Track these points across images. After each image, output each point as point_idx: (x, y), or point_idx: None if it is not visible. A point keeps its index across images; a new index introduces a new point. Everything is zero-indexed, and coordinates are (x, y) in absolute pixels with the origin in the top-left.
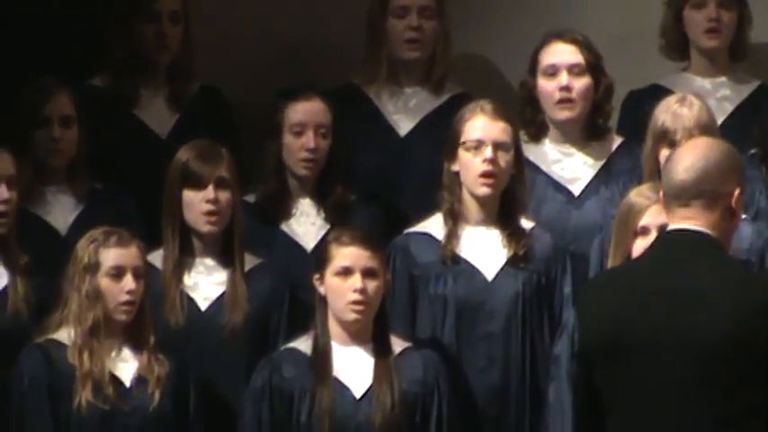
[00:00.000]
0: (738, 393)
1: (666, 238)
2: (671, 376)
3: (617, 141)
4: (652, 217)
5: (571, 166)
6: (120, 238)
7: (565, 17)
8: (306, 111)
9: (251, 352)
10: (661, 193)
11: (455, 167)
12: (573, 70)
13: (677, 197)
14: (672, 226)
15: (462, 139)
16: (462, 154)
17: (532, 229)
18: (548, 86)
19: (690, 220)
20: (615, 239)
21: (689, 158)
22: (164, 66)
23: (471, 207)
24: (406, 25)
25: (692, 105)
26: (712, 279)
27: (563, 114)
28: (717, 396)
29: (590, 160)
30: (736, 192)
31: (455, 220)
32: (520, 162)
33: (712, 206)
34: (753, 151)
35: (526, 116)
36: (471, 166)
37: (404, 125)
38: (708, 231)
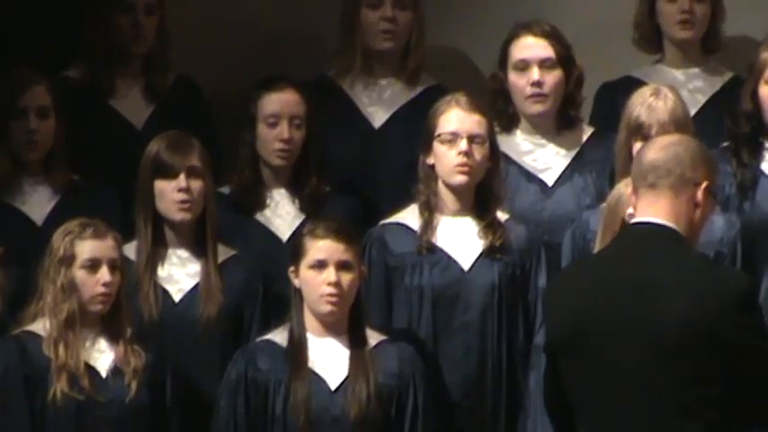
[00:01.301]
0: (695, 383)
1: (629, 230)
2: (629, 366)
3: (588, 131)
4: None
5: (543, 157)
6: (95, 230)
7: (539, 8)
8: (280, 101)
9: (225, 344)
10: (629, 188)
11: (430, 160)
12: (544, 64)
13: (644, 177)
14: (636, 218)
15: (437, 132)
16: (437, 146)
17: (507, 220)
18: (519, 81)
19: (654, 207)
20: (603, 227)
21: (662, 143)
22: (139, 57)
23: (447, 198)
24: (380, 16)
25: (667, 98)
26: (671, 270)
27: (535, 108)
28: (674, 385)
29: (562, 150)
30: (704, 184)
31: (431, 211)
32: (495, 154)
33: (678, 191)
34: (725, 144)
35: (497, 108)
36: (446, 159)
37: (378, 117)
38: (670, 224)
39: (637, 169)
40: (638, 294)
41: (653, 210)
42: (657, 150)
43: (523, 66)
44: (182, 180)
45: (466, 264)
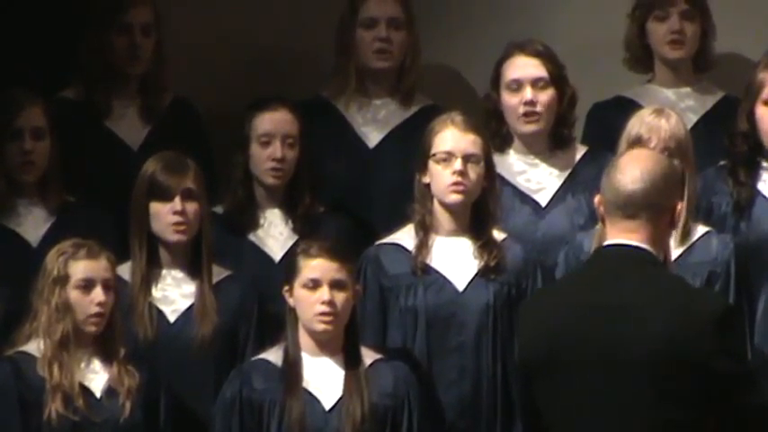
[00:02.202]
0: (666, 407)
1: (603, 252)
2: (600, 390)
3: (581, 151)
4: None
5: (536, 177)
6: (89, 250)
7: (532, 28)
8: (273, 121)
9: (220, 364)
10: (600, 204)
11: (426, 179)
12: (537, 84)
13: (623, 208)
14: (609, 240)
15: (432, 151)
16: (432, 166)
17: (503, 240)
18: (512, 101)
19: (631, 234)
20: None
21: (636, 170)
22: (136, 78)
23: (442, 218)
24: (375, 36)
25: (669, 117)
26: (645, 294)
27: (528, 128)
28: (644, 409)
29: (555, 170)
30: (679, 206)
31: (426, 231)
32: (491, 174)
33: (656, 219)
34: (722, 163)
35: (491, 128)
36: (441, 178)
37: (373, 137)
38: (645, 246)
39: (613, 197)
40: (610, 318)
41: (630, 236)
42: (635, 182)
43: (516, 85)
44: (177, 203)
45: (461, 284)
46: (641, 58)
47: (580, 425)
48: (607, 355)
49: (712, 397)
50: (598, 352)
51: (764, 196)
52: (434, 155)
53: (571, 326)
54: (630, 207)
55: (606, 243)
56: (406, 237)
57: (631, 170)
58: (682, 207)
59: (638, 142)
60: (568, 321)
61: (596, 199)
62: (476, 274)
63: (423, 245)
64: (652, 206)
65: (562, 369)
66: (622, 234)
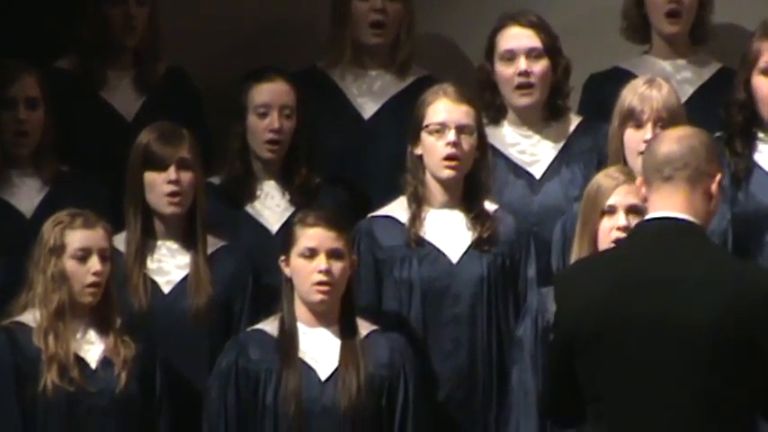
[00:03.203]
0: (725, 383)
1: (648, 224)
2: (658, 365)
3: (575, 121)
4: (620, 196)
5: (531, 149)
6: (85, 219)
7: None
8: (270, 92)
9: (214, 335)
10: (639, 179)
11: (418, 151)
12: (531, 54)
13: (660, 169)
14: (653, 213)
15: (425, 123)
16: (425, 137)
17: (496, 211)
18: (506, 72)
19: (671, 199)
20: (582, 219)
21: (674, 135)
22: (130, 48)
23: (435, 190)
24: (370, 7)
25: (662, 87)
26: (699, 267)
27: (523, 101)
28: (703, 385)
29: (549, 142)
30: (718, 176)
31: (419, 203)
32: (483, 145)
33: (694, 184)
34: (718, 134)
35: (485, 100)
36: (434, 150)
37: (368, 108)
38: (689, 218)
39: (650, 162)
40: (668, 292)
41: (670, 203)
42: (672, 143)
43: (510, 56)
44: (171, 172)
45: (454, 256)
46: (639, 28)
47: (636, 400)
48: (662, 327)
49: (760, 372)
50: (652, 325)
51: (761, 167)
52: (427, 126)
53: (622, 298)
54: (667, 167)
55: (648, 216)
56: (398, 209)
57: (669, 136)
58: (720, 181)
59: (631, 114)
60: (619, 294)
61: (638, 181)
62: (469, 246)
63: (416, 217)
64: (688, 167)
65: (616, 344)
66: (663, 202)
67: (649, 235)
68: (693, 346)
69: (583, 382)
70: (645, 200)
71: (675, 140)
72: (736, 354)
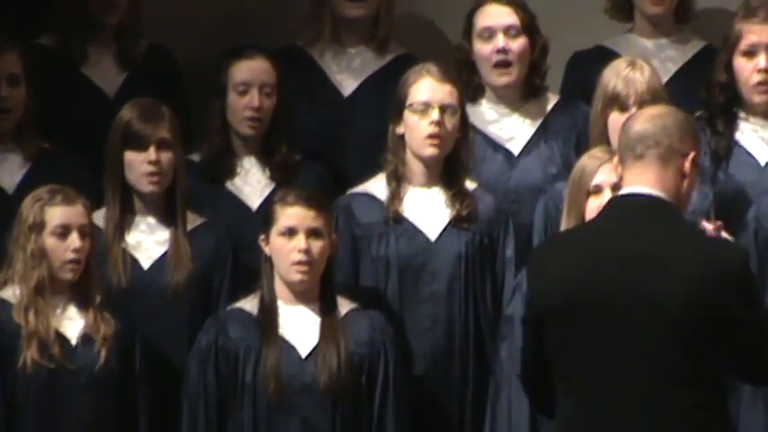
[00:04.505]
0: (695, 355)
1: (619, 201)
2: (627, 338)
3: (553, 100)
4: (605, 175)
5: (509, 126)
6: (65, 196)
7: None
8: (250, 69)
9: (194, 311)
10: (615, 159)
11: (400, 129)
12: (509, 32)
13: (632, 147)
14: (624, 189)
15: (408, 102)
16: (408, 116)
17: (475, 190)
18: (484, 49)
19: (642, 177)
20: (569, 200)
21: (649, 113)
22: (111, 24)
23: (416, 169)
24: None
25: (643, 69)
26: (668, 242)
27: (501, 80)
28: (673, 357)
29: (527, 120)
30: (691, 154)
31: (399, 181)
32: (465, 125)
33: (666, 162)
34: (698, 113)
35: (463, 78)
36: (418, 129)
37: (348, 85)
38: (660, 194)
39: (624, 140)
40: (637, 266)
41: (641, 180)
42: (645, 121)
43: (488, 34)
44: (151, 153)
45: (433, 234)
46: (622, 6)
47: (604, 373)
48: (636, 303)
49: (738, 342)
50: (626, 301)
51: (742, 146)
52: (411, 105)
53: (596, 275)
54: (639, 145)
55: (621, 193)
56: (377, 186)
57: (642, 115)
58: (694, 160)
59: (615, 98)
60: (591, 270)
61: (614, 160)
62: (448, 224)
63: (395, 195)
64: (659, 145)
65: (585, 318)
66: (634, 179)
67: (620, 211)
68: (663, 320)
69: (552, 357)
70: (620, 179)
71: (648, 119)
72: (707, 326)
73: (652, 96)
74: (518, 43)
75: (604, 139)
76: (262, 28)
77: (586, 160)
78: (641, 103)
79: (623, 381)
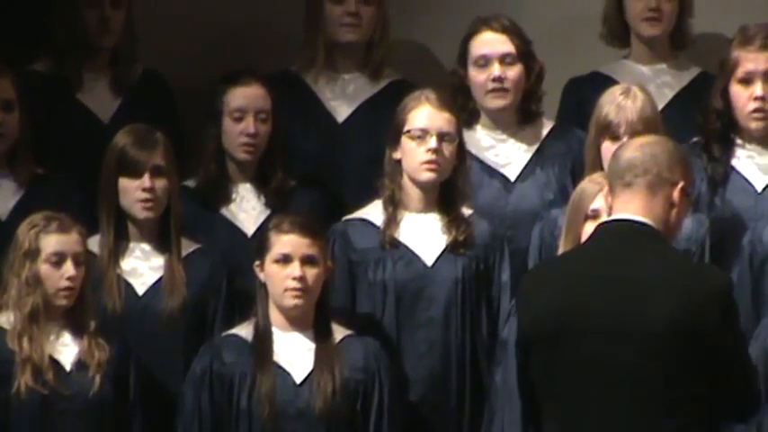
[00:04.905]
0: (680, 381)
1: (607, 227)
2: (613, 364)
3: (548, 126)
4: (603, 201)
5: (505, 152)
6: (60, 224)
7: (504, 3)
8: (246, 96)
9: (189, 337)
10: (606, 188)
11: (397, 155)
12: (505, 60)
13: (621, 176)
14: (613, 216)
15: (406, 128)
16: (406, 142)
17: (470, 216)
18: (479, 77)
19: (630, 205)
20: (567, 224)
21: (639, 142)
22: (106, 50)
23: (412, 194)
24: (344, 11)
25: (636, 98)
26: (654, 268)
27: (496, 103)
28: (659, 383)
29: (523, 145)
30: (680, 184)
31: (395, 206)
32: (462, 152)
33: (654, 190)
34: (695, 139)
35: (458, 103)
36: (415, 155)
37: (342, 111)
38: (645, 220)
39: (613, 168)
40: (623, 292)
41: (629, 208)
42: (634, 150)
43: (484, 62)
44: (146, 180)
45: (429, 259)
46: (618, 33)
47: (589, 398)
48: (622, 329)
49: (719, 369)
50: (613, 326)
51: (738, 172)
52: (408, 131)
53: (582, 299)
54: (628, 173)
55: (608, 219)
56: (373, 212)
57: (632, 144)
58: (683, 189)
59: (607, 126)
60: (578, 295)
61: (604, 191)
62: (444, 249)
63: (391, 220)
64: (648, 173)
65: (571, 342)
66: (623, 207)
67: (607, 237)
68: (649, 345)
69: (538, 380)
70: (610, 207)
71: (637, 147)
72: (692, 352)
73: (644, 125)
74: (514, 71)
75: (598, 166)
76: (256, 53)
77: (586, 184)
78: (632, 133)
79: (607, 406)
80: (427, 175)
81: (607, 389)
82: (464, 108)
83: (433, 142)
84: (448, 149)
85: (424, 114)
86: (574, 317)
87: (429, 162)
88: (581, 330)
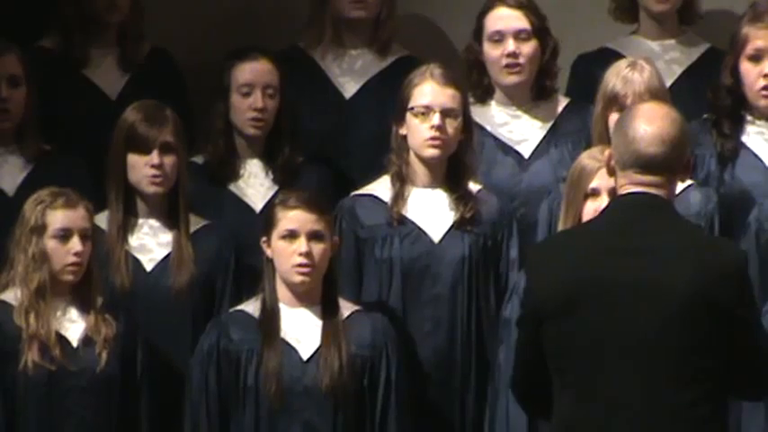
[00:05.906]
0: (697, 353)
1: (621, 200)
2: (630, 335)
3: (563, 102)
4: (603, 179)
5: (519, 129)
6: (67, 199)
7: None
8: (253, 71)
9: (197, 313)
10: (611, 158)
11: (403, 131)
12: (519, 36)
13: (643, 168)
14: (627, 189)
15: (410, 104)
16: (410, 119)
17: (479, 192)
18: (494, 53)
19: (648, 188)
20: (566, 202)
21: (656, 131)
22: (114, 26)
23: (419, 170)
24: None
25: (643, 70)
26: (670, 239)
27: (511, 79)
28: (676, 355)
29: (537, 122)
30: (690, 158)
31: (402, 182)
32: (468, 126)
33: (674, 176)
34: (705, 116)
35: (472, 79)
36: (419, 132)
37: (349, 87)
38: (660, 193)
39: (631, 158)
40: (640, 262)
41: (646, 189)
42: (656, 145)
43: (499, 37)
44: (155, 156)
45: (436, 236)
46: (627, 8)
47: (600, 363)
48: (633, 293)
49: (735, 341)
50: (623, 291)
51: (748, 148)
52: (412, 108)
53: (596, 269)
54: (652, 167)
55: (623, 192)
56: (381, 188)
57: (651, 132)
58: (688, 162)
59: (614, 98)
60: (593, 264)
61: (606, 153)
62: (451, 226)
63: (399, 196)
64: (672, 167)
65: (587, 314)
66: (638, 186)
67: (622, 208)
68: (666, 316)
69: (549, 353)
70: (613, 172)
71: (659, 142)
72: (708, 323)
73: (651, 97)
74: (528, 47)
75: (605, 140)
76: (263, 30)
77: (585, 160)
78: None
79: (623, 375)
80: (431, 152)
81: (622, 359)
82: (479, 84)
83: (436, 119)
84: (452, 126)
85: (428, 91)
86: (590, 287)
87: (433, 139)
88: (597, 300)
